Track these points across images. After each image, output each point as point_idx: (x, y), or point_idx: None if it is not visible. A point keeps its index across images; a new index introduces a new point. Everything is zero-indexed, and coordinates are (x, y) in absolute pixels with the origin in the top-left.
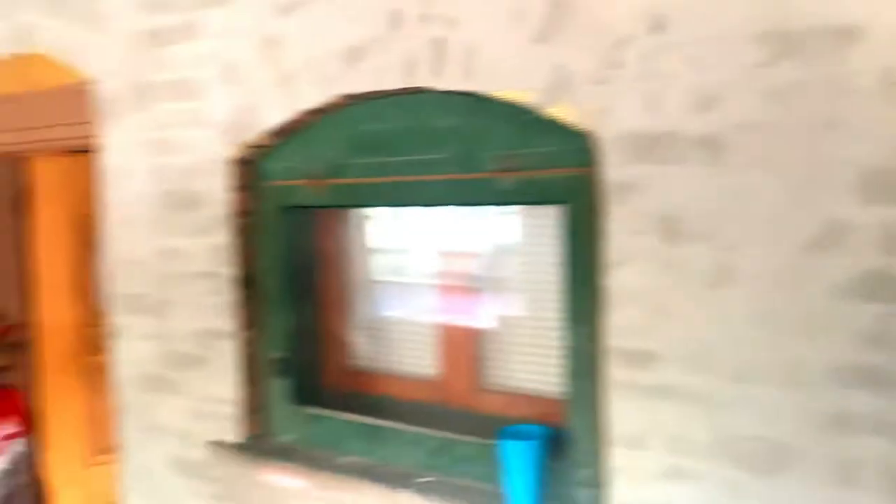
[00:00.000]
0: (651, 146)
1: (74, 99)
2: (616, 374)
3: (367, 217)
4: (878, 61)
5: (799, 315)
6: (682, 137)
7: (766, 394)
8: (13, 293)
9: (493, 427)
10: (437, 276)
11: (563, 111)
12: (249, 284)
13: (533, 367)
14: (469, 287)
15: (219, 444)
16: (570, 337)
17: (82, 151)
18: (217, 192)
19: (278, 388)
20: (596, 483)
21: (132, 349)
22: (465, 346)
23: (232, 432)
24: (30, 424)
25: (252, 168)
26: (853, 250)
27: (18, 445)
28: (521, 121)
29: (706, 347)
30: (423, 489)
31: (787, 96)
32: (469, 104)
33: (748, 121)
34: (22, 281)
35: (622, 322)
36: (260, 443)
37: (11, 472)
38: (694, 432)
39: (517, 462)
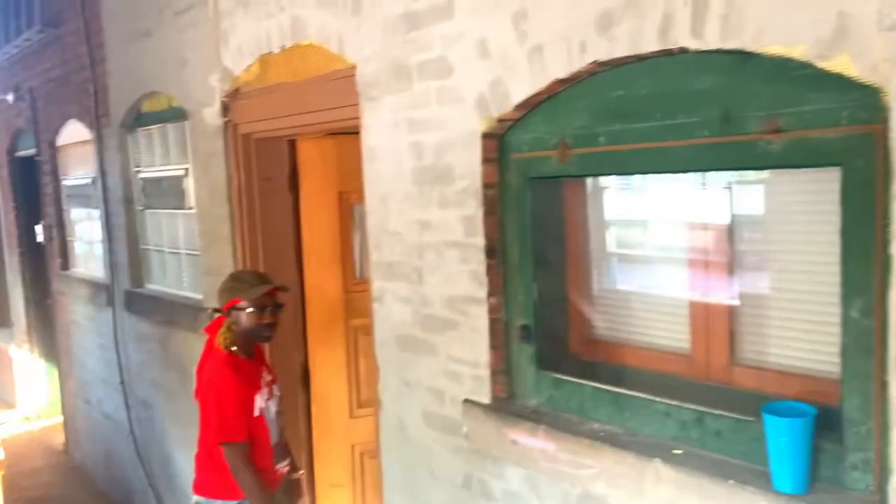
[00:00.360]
0: None
1: (338, 84)
2: None
3: (613, 187)
4: None
5: None
6: None
7: None
8: (287, 260)
9: (748, 403)
10: (689, 247)
11: (842, 64)
12: (496, 254)
13: (794, 342)
14: (724, 258)
15: (469, 403)
16: (848, 311)
17: (343, 133)
18: (468, 166)
19: (524, 352)
20: (873, 468)
21: (390, 312)
22: (716, 320)
23: (481, 392)
24: (275, 374)
25: (500, 141)
26: None
27: (277, 391)
28: (792, 77)
29: None
30: (674, 461)
31: None
32: (731, 62)
33: None
34: (294, 250)
35: None
36: (507, 404)
37: (278, 412)
38: None
39: (784, 440)
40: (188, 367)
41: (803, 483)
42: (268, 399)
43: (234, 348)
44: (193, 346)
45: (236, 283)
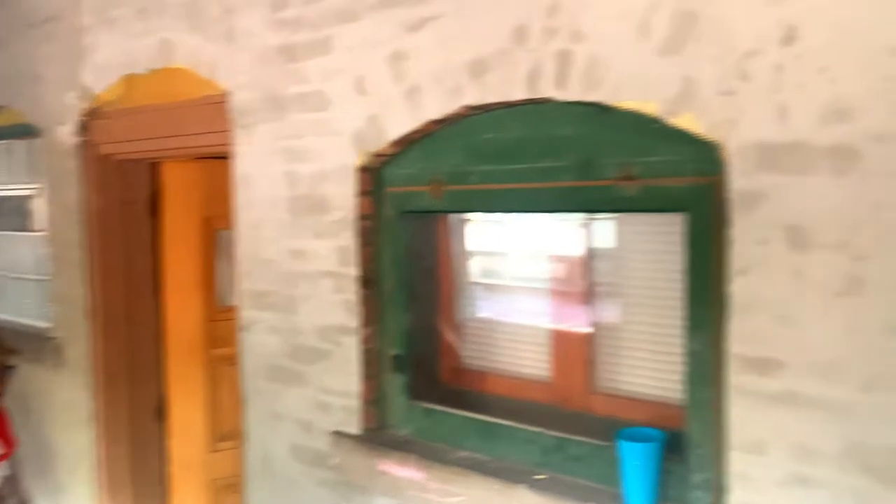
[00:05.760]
0: (779, 156)
1: (209, 109)
2: (738, 380)
3: (482, 222)
4: None
5: None
6: (812, 148)
7: None
8: (145, 287)
9: (604, 429)
10: (550, 279)
11: (687, 121)
12: (370, 284)
13: (647, 371)
14: (582, 291)
15: (339, 435)
16: (691, 343)
17: (212, 158)
18: (343, 198)
19: (395, 383)
20: (713, 487)
21: (259, 342)
22: (577, 349)
23: (351, 423)
24: (12, 446)
25: (375, 175)
26: None
27: (4, 469)
28: (644, 130)
29: (835, 356)
30: (537, 486)
31: None
32: (591, 114)
33: (884, 132)
34: (153, 276)
35: (746, 329)
36: (377, 435)
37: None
38: (819, 440)
39: (635, 463)
40: (32, 401)
41: (652, 503)
42: None
43: None
44: (40, 377)
45: None
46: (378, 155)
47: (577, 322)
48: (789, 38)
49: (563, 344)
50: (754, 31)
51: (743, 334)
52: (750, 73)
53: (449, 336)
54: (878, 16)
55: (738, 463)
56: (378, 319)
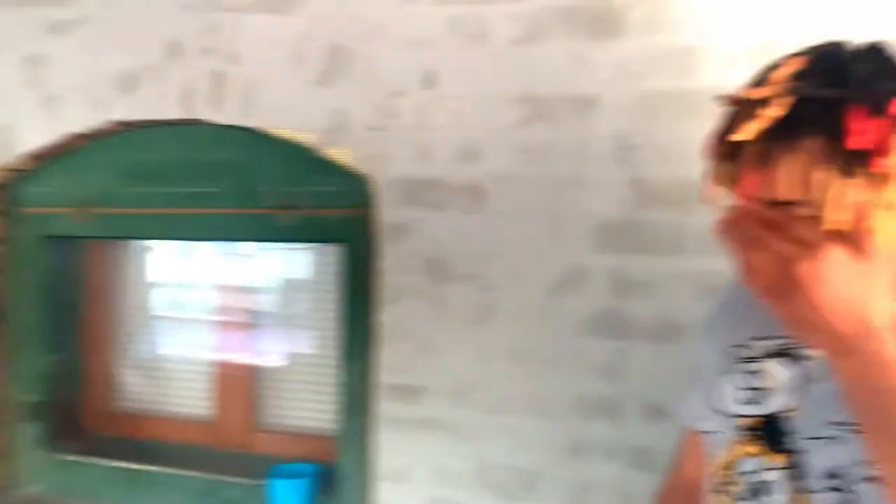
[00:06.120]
0: (421, 191)
1: None
2: (385, 409)
3: (142, 249)
4: (610, 127)
5: (546, 351)
6: (448, 185)
7: (518, 424)
8: None
9: (267, 467)
10: (215, 311)
11: (341, 154)
12: None
13: (309, 404)
14: (248, 323)
15: None
16: (344, 373)
17: None
18: None
19: (29, 433)
20: None
21: None
22: (240, 385)
23: None
24: None
25: (7, 193)
26: (590, 292)
27: None
28: (301, 160)
29: (467, 381)
30: None
31: (538, 154)
32: (248, 139)
33: (504, 173)
34: None
35: (392, 358)
36: (3, 495)
37: None
38: (455, 463)
39: (286, 501)
40: None
41: None
42: None
43: None
44: None
45: None
46: (9, 170)
47: (241, 357)
48: (430, 81)
49: (226, 381)
50: (400, 71)
51: (391, 363)
52: (396, 112)
53: (103, 377)
54: (502, 69)
55: (385, 492)
56: (8, 361)
